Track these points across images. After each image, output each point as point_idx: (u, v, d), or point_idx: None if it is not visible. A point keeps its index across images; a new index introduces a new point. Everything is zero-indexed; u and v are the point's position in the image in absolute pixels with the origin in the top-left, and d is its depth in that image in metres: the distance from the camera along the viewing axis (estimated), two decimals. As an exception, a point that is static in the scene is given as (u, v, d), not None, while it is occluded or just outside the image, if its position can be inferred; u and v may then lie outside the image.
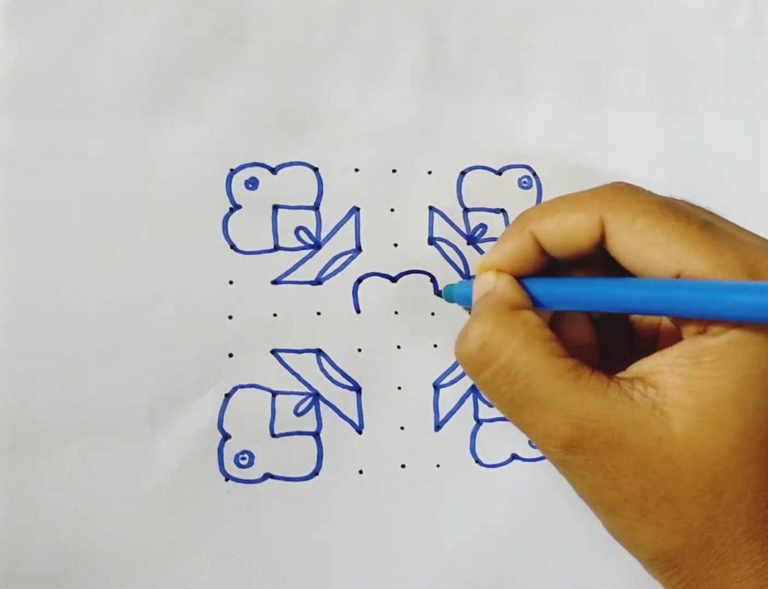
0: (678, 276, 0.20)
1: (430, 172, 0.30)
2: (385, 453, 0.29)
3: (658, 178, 0.30)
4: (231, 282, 0.28)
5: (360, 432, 0.29)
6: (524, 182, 0.30)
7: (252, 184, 0.29)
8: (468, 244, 0.30)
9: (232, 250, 0.28)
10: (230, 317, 0.28)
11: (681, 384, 0.19)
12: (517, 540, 0.29)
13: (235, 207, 0.28)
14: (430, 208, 0.29)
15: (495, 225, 0.30)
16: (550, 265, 0.23)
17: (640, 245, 0.20)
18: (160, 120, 0.28)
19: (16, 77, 0.27)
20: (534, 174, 0.30)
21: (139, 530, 0.27)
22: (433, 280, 0.29)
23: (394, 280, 0.29)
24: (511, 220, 0.30)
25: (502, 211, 0.30)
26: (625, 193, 0.21)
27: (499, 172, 0.30)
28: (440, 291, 0.29)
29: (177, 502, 0.27)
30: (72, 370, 0.27)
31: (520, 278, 0.23)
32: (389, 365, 0.29)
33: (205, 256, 0.28)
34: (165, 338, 0.28)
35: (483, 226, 0.30)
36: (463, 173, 0.30)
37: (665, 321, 0.24)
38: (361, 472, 0.29)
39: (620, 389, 0.20)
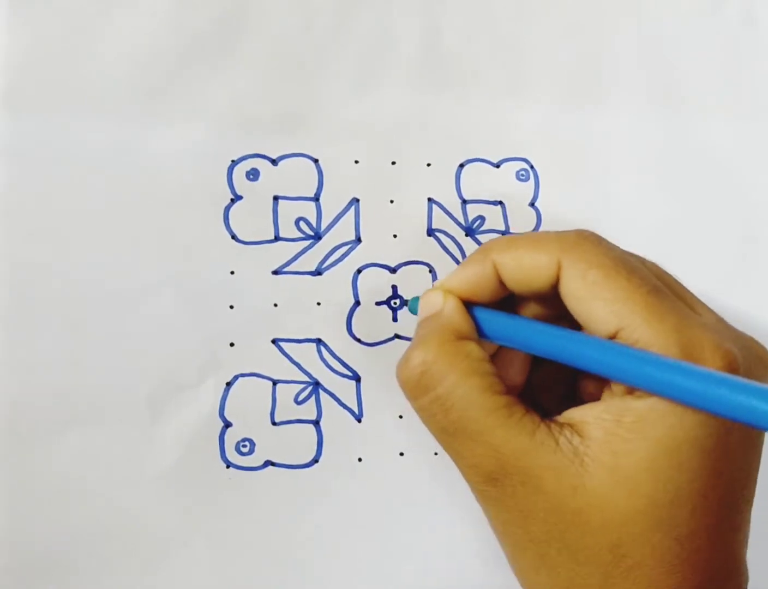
0: (616, 333, 0.20)
1: (429, 165, 0.30)
2: (384, 441, 0.29)
3: (653, 171, 0.31)
4: (232, 272, 0.28)
5: (359, 420, 0.29)
6: (522, 175, 0.30)
7: (253, 175, 0.29)
8: (466, 235, 0.30)
9: (233, 241, 0.29)
10: (231, 307, 0.28)
11: (602, 439, 0.20)
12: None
13: (236, 198, 0.29)
14: (429, 199, 0.30)
15: (493, 217, 0.30)
16: (507, 300, 0.24)
17: (588, 296, 0.20)
18: (161, 111, 0.28)
19: (17, 69, 0.27)
20: (531, 167, 0.30)
21: (140, 517, 0.28)
22: (431, 271, 0.30)
23: (393, 271, 0.30)
24: (509, 213, 0.30)
25: (500, 203, 0.30)
26: (588, 242, 0.21)
27: (498, 165, 0.30)
28: (406, 301, 0.29)
29: (178, 489, 0.28)
30: (74, 358, 0.27)
31: (471, 304, 0.23)
32: (389, 355, 0.29)
33: (206, 246, 0.28)
34: (167, 327, 0.28)
35: (481, 218, 0.30)
36: (461, 166, 0.30)
37: None
38: (360, 460, 0.29)
39: (548, 433, 0.20)
